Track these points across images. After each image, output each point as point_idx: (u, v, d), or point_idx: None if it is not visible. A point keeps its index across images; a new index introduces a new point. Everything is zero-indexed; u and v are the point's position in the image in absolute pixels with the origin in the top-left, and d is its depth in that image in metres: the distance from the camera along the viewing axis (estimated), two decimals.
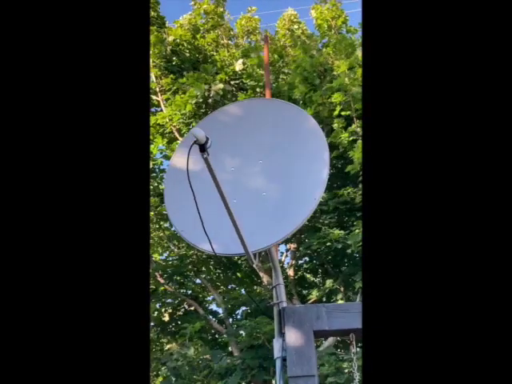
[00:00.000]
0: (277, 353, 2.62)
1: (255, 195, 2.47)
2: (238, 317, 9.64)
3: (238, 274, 10.49)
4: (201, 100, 8.80)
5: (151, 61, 9.59)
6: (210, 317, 9.48)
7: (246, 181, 2.53)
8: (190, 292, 10.02)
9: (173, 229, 10.61)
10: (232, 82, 9.47)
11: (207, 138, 1.76)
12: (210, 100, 8.89)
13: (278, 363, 2.58)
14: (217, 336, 9.44)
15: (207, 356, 7.26)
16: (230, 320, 9.50)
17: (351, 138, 7.25)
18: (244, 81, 9.34)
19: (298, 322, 2.61)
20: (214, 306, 10.53)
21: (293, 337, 2.57)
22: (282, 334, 2.65)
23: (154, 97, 9.84)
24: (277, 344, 2.64)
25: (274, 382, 7.63)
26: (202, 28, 10.26)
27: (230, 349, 8.70)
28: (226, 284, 10.83)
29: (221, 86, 8.85)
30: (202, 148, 1.76)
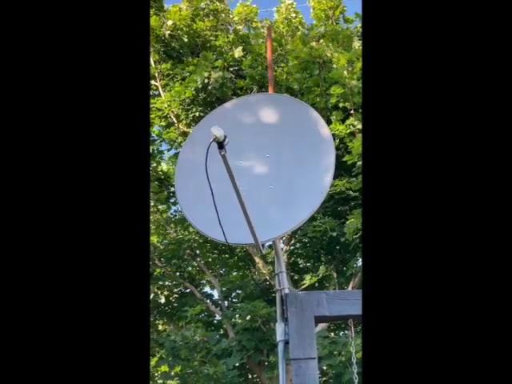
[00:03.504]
0: (279, 336, 2.75)
1: (263, 188, 2.60)
2: (234, 300, 9.81)
3: (232, 260, 10.65)
4: (200, 87, 8.84)
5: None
6: (205, 299, 9.64)
7: (253, 174, 2.65)
8: (186, 275, 10.18)
9: (170, 213, 10.72)
10: (231, 69, 9.51)
11: (225, 136, 1.86)
12: (209, 87, 8.93)
13: (281, 346, 2.72)
14: (211, 318, 9.63)
15: (204, 338, 7.44)
16: (226, 303, 9.67)
17: (348, 131, 7.37)
18: (243, 68, 9.37)
19: (300, 308, 2.74)
20: (208, 289, 10.72)
21: (295, 321, 2.71)
22: (284, 319, 2.78)
23: (152, 81, 9.86)
24: (279, 328, 2.77)
25: (267, 363, 7.84)
26: (201, 12, 10.19)
27: (223, 331, 8.89)
28: (222, 268, 10.99)
29: (220, 73, 8.88)
30: (221, 145, 1.87)
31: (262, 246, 2.44)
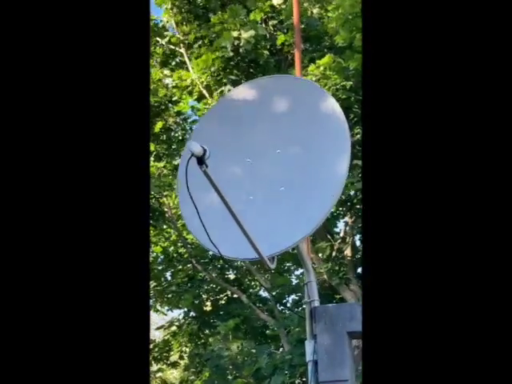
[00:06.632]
0: (309, 356, 2.75)
1: (273, 190, 2.57)
2: (288, 304, 9.78)
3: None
4: (231, 53, 8.41)
5: (170, 4, 9.08)
6: (258, 304, 9.62)
7: (263, 174, 2.63)
8: (232, 277, 10.20)
9: None
10: (270, 23, 9.09)
11: (204, 151, 1.87)
12: (240, 50, 8.49)
13: (310, 367, 2.71)
14: (264, 329, 9.64)
15: (253, 350, 7.51)
16: (280, 308, 9.61)
17: None
18: (283, 18, 8.66)
19: (330, 323, 2.72)
20: (262, 292, 10.69)
21: (324, 339, 2.69)
22: (313, 336, 2.76)
23: (177, 48, 9.56)
24: (309, 347, 2.77)
25: None
26: None
27: (277, 342, 8.94)
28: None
29: (252, 32, 8.36)
30: (200, 161, 1.88)
31: (272, 259, 2.40)
